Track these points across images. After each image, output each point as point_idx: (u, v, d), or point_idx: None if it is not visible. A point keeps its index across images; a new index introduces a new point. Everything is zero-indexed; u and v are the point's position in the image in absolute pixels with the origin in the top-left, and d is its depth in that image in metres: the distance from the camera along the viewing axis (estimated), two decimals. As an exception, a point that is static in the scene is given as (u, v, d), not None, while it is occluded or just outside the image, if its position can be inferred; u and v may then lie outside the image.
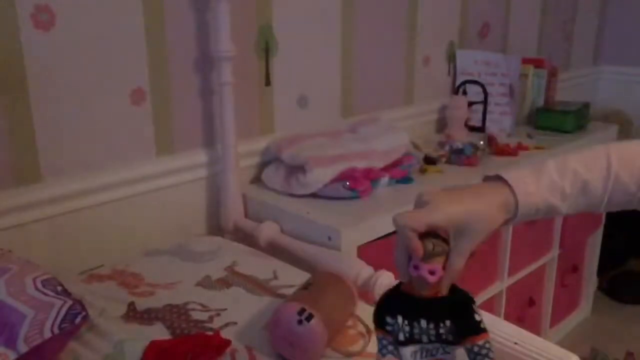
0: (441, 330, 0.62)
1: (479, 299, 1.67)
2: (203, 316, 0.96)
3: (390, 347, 0.65)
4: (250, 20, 1.42)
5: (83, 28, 1.15)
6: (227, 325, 0.93)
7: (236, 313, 0.97)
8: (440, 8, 1.91)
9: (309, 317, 0.81)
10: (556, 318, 2.13)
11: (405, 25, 1.81)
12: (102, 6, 1.16)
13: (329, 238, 1.21)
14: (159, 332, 0.91)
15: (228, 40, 1.29)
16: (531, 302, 1.95)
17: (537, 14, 2.34)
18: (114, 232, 1.25)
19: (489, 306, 1.73)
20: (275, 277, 1.11)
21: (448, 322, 0.62)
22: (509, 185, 0.65)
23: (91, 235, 1.22)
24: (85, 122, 1.18)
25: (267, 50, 1.47)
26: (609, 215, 2.23)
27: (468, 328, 0.61)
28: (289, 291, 1.00)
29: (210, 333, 0.90)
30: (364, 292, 1.08)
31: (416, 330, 0.63)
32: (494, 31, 2.15)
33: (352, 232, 1.21)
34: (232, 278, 1.10)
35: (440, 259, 0.62)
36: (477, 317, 0.62)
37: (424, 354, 0.63)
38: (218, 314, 0.97)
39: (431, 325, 0.62)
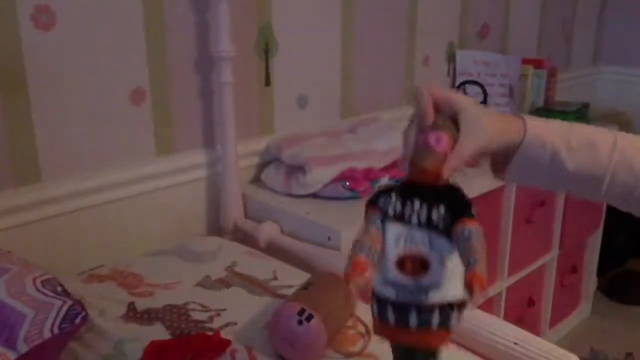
0: (433, 215, 0.58)
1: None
2: (203, 316, 0.96)
3: (378, 222, 0.60)
4: (250, 20, 1.42)
5: (83, 28, 1.15)
6: (227, 325, 0.93)
7: (236, 313, 0.97)
8: (440, 8, 1.91)
9: (309, 318, 0.81)
10: (556, 318, 2.13)
11: (405, 26, 1.81)
12: (102, 6, 1.16)
13: (329, 238, 1.21)
14: (159, 333, 0.91)
15: (228, 40, 1.29)
16: (531, 303, 1.95)
17: (536, 14, 2.34)
18: (114, 232, 1.25)
19: (489, 306, 1.73)
20: (275, 278, 1.11)
21: (442, 208, 0.58)
22: (521, 118, 0.65)
23: (91, 235, 1.22)
24: (85, 122, 1.18)
25: (266, 50, 1.47)
26: (609, 216, 2.23)
27: (462, 208, 0.57)
28: (289, 291, 1.00)
29: (210, 333, 0.90)
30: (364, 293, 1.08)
31: (407, 209, 0.59)
32: (493, 31, 2.15)
33: (352, 233, 1.21)
34: (232, 278, 1.10)
35: (447, 135, 0.60)
36: (470, 203, 0.59)
37: (408, 241, 0.58)
38: (218, 314, 0.97)
39: (424, 207, 0.58)
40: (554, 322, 2.13)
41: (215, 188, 1.41)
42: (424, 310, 0.57)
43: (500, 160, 0.67)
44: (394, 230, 0.59)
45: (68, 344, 0.85)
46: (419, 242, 0.58)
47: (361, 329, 0.90)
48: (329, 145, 1.43)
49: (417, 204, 0.59)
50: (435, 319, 0.57)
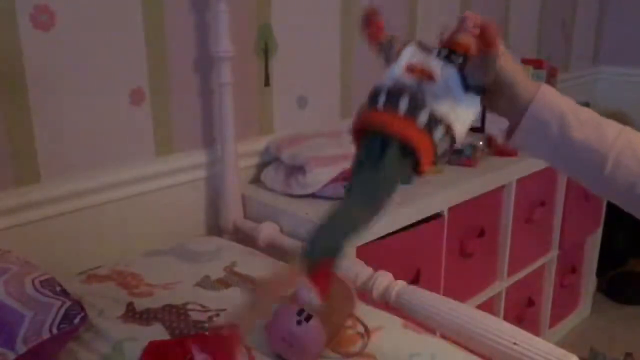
0: (452, 58, 0.62)
1: (479, 299, 1.68)
2: (202, 316, 0.96)
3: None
4: (249, 20, 1.42)
5: (82, 28, 1.15)
6: (226, 325, 0.93)
7: (235, 313, 0.97)
8: (439, 8, 1.90)
9: (308, 318, 0.81)
10: (555, 318, 2.13)
11: (405, 26, 1.81)
12: (102, 6, 1.16)
13: (328, 238, 1.21)
14: (158, 333, 0.91)
15: (227, 40, 1.29)
16: (530, 303, 1.95)
17: (536, 14, 2.34)
18: (113, 232, 1.26)
19: (488, 306, 1.73)
20: (275, 278, 1.10)
21: (461, 58, 0.62)
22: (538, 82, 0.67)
23: (90, 235, 1.22)
24: (84, 122, 1.18)
25: (266, 50, 1.47)
26: (609, 216, 2.23)
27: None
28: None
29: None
30: (363, 293, 1.08)
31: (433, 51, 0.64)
32: (493, 31, 2.15)
33: (351, 233, 1.21)
34: (231, 278, 1.10)
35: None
36: None
37: (423, 59, 0.63)
38: (217, 315, 0.97)
39: (446, 52, 0.62)
40: (553, 322, 2.13)
41: (215, 188, 1.41)
42: (417, 103, 0.60)
43: (513, 122, 0.68)
44: (412, 49, 0.64)
45: (67, 344, 0.85)
46: (433, 64, 0.62)
47: (360, 329, 0.90)
48: (329, 146, 1.43)
49: (443, 51, 0.63)
50: (424, 116, 0.60)
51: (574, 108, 0.66)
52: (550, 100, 0.65)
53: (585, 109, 0.67)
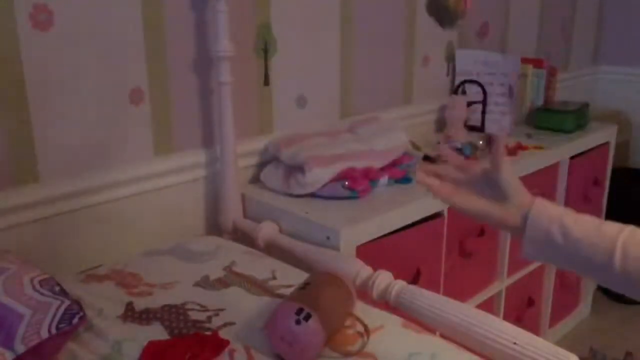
0: None
1: (479, 298, 1.67)
2: (201, 316, 0.96)
3: None
4: (248, 19, 1.42)
5: (81, 28, 1.14)
6: (225, 325, 0.93)
7: (234, 313, 0.97)
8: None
9: (307, 317, 0.81)
10: (555, 318, 2.13)
11: (405, 25, 1.81)
12: (101, 6, 1.16)
13: (328, 238, 1.21)
14: (157, 332, 0.90)
15: (227, 39, 1.29)
16: (530, 302, 1.95)
17: (536, 14, 2.34)
18: (112, 232, 1.25)
19: (488, 306, 1.73)
20: (274, 277, 1.10)
21: None
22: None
23: (89, 235, 1.22)
24: (83, 122, 1.18)
25: (265, 49, 1.47)
26: (609, 215, 2.23)
27: None
28: (288, 291, 1.00)
29: (208, 333, 0.89)
30: (363, 292, 1.08)
31: None
32: (493, 31, 2.15)
33: (350, 232, 1.21)
34: (230, 278, 1.10)
35: None
36: None
37: None
38: (216, 314, 0.96)
39: None
40: (553, 321, 2.12)
41: (214, 188, 1.41)
42: None
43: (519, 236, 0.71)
44: None
45: (66, 344, 0.85)
46: None
47: (360, 328, 0.90)
48: (328, 145, 1.43)
49: None
50: None
51: (571, 212, 0.68)
52: (546, 206, 0.69)
53: (585, 215, 0.68)
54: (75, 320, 0.82)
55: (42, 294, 0.84)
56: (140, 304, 0.99)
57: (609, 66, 2.79)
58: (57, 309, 0.82)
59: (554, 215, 0.67)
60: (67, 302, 0.83)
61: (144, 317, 0.95)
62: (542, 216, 0.68)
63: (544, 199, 0.70)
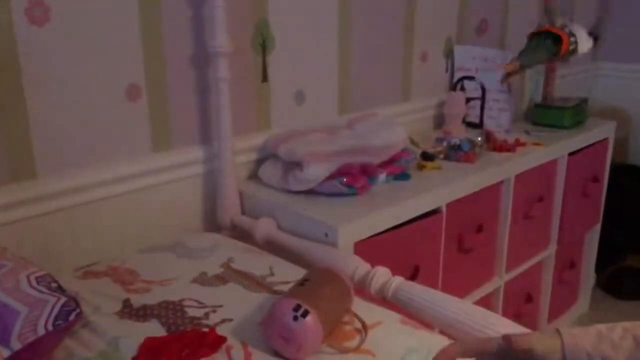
0: None
1: (477, 295, 1.67)
2: (199, 313, 0.95)
3: None
4: (246, 15, 1.41)
5: (78, 23, 1.14)
6: (223, 321, 0.93)
7: (232, 309, 0.96)
8: (438, 4, 1.90)
9: (305, 314, 0.81)
10: (554, 314, 2.13)
11: (404, 21, 1.81)
12: (98, 1, 1.15)
13: (326, 234, 1.21)
14: (154, 329, 0.90)
15: (224, 35, 1.28)
16: (529, 299, 1.95)
17: (535, 9, 2.33)
18: (110, 228, 1.25)
19: (487, 302, 1.73)
20: (272, 274, 1.10)
21: None
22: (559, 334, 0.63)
23: (87, 231, 1.22)
24: (80, 119, 1.18)
25: (263, 45, 1.46)
26: (608, 211, 2.23)
27: None
28: (286, 287, 1.00)
29: (205, 330, 0.89)
30: (361, 289, 1.08)
31: None
32: (492, 27, 2.15)
33: (349, 229, 1.21)
34: (228, 274, 1.10)
35: None
36: None
37: None
38: (214, 311, 0.96)
39: None
40: (552, 317, 2.12)
41: (212, 184, 1.40)
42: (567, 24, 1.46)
43: None
44: None
45: (63, 341, 0.84)
46: None
47: (357, 324, 0.90)
48: (327, 141, 1.43)
49: None
50: (567, 29, 1.48)
51: (601, 334, 0.61)
52: (575, 336, 0.61)
53: (617, 326, 0.61)
54: (72, 317, 0.82)
55: (38, 290, 0.84)
56: (137, 300, 0.99)
57: (608, 63, 2.79)
58: (54, 306, 0.81)
59: (588, 346, 0.60)
60: (63, 299, 0.83)
61: (141, 313, 0.95)
62: (575, 346, 0.60)
63: (565, 329, 0.62)
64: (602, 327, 0.62)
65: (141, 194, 1.29)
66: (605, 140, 2.09)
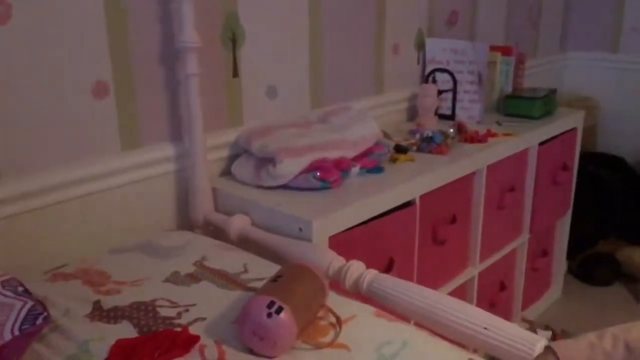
0: None
1: (452, 285, 1.69)
2: (171, 312, 0.94)
3: None
4: (215, 9, 1.39)
5: (41, 20, 1.11)
6: (196, 320, 0.92)
7: (205, 308, 0.95)
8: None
9: (279, 310, 0.81)
10: (527, 301, 2.17)
11: (374, 13, 1.80)
12: (60, -3, 1.13)
13: (300, 229, 1.20)
14: (126, 331, 0.89)
15: (192, 30, 1.26)
16: (502, 287, 1.98)
17: (504, 1, 2.36)
18: (79, 229, 1.22)
19: (462, 292, 1.75)
20: (246, 271, 1.09)
21: None
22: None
23: (55, 233, 1.19)
24: (46, 117, 1.15)
25: (233, 40, 1.44)
26: (578, 199, 2.27)
27: None
28: (260, 284, 0.99)
29: (178, 329, 0.88)
30: (335, 283, 1.08)
31: None
32: (462, 19, 2.16)
33: (323, 223, 1.21)
34: (201, 273, 1.09)
35: None
36: None
37: None
38: (187, 310, 0.95)
39: None
40: (525, 305, 2.16)
41: (184, 182, 1.38)
42: None
43: None
44: None
45: (31, 346, 0.82)
46: None
47: (332, 319, 0.90)
48: (300, 136, 1.42)
49: None
50: None
51: (593, 344, 0.62)
52: (569, 348, 0.63)
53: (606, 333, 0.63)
54: (39, 321, 0.80)
55: (4, 295, 0.82)
56: (108, 302, 0.97)
57: (576, 52, 2.84)
58: (20, 310, 0.79)
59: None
60: (30, 303, 0.81)
61: (112, 315, 0.93)
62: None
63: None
64: (591, 336, 0.63)
65: (111, 193, 1.26)
66: (574, 129, 2.13)
